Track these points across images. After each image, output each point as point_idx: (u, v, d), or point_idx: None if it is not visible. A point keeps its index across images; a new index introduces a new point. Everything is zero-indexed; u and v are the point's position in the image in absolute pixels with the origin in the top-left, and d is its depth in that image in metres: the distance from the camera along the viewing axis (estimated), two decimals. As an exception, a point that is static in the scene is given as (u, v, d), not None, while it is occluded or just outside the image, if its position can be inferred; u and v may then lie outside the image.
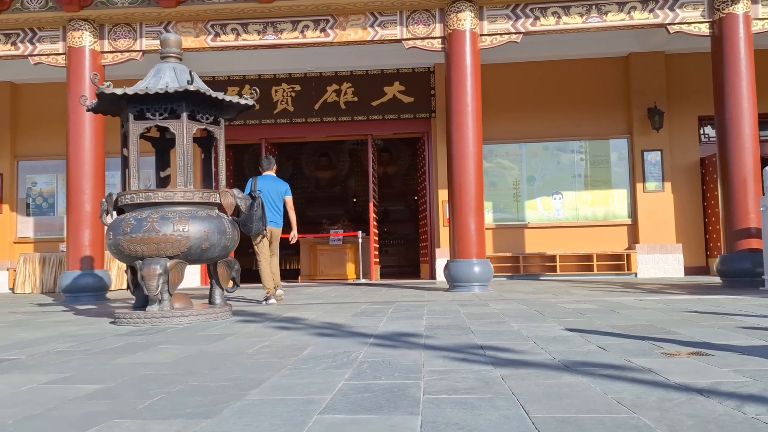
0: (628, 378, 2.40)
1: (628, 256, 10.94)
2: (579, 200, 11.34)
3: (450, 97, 8.37)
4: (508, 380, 2.42)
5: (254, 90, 5.35)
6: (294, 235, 7.14)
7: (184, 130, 4.98)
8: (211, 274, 5.31)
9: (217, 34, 8.63)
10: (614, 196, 11.30)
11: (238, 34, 8.63)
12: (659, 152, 11.12)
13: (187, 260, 4.93)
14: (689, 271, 11.02)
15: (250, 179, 6.89)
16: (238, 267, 5.44)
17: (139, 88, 4.90)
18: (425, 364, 2.81)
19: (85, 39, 8.67)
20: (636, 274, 10.91)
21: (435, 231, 11.35)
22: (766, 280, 7.30)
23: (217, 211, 5.15)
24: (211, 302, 5.32)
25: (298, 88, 11.68)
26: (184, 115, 5.00)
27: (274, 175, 7.16)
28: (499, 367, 2.69)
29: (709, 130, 11.41)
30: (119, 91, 4.84)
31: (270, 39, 8.63)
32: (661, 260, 10.89)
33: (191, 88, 4.77)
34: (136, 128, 5.02)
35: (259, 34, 8.63)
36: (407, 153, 18.10)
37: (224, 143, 5.40)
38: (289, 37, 8.61)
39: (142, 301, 5.13)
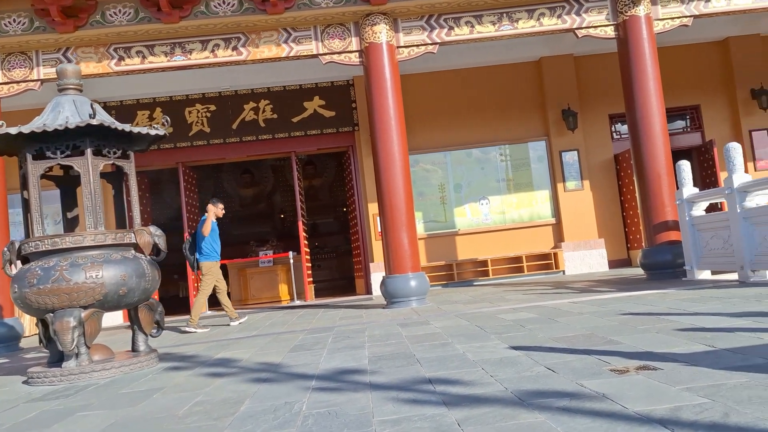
0: (586, 410, 2.31)
1: (555, 254, 11.19)
2: (505, 204, 11.50)
3: (372, 111, 8.26)
4: (465, 426, 2.28)
5: (165, 119, 5.02)
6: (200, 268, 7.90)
7: (89, 167, 4.59)
8: (133, 320, 4.93)
9: (121, 58, 8.15)
10: (537, 197, 11.54)
11: (144, 57, 8.18)
12: (576, 152, 11.45)
13: (104, 308, 4.54)
14: (613, 264, 11.40)
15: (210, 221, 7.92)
16: (162, 309, 5.08)
17: (35, 125, 4.48)
18: (375, 411, 2.64)
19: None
20: (564, 271, 11.17)
21: (368, 245, 11.20)
22: (688, 271, 7.60)
23: (133, 251, 4.78)
24: (134, 350, 4.93)
25: (213, 107, 11.26)
26: (89, 151, 4.61)
27: (205, 215, 8.00)
28: (453, 408, 2.55)
29: (621, 127, 11.86)
30: (13, 131, 4.39)
31: (179, 60, 8.24)
32: (586, 256, 11.20)
33: (94, 122, 4.40)
34: (35, 169, 4.58)
35: (166, 56, 8.21)
36: (332, 164, 17.90)
37: (135, 175, 5.03)
38: (199, 57, 8.24)
39: (58, 356, 4.68)
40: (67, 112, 4.67)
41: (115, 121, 4.79)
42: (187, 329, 7.47)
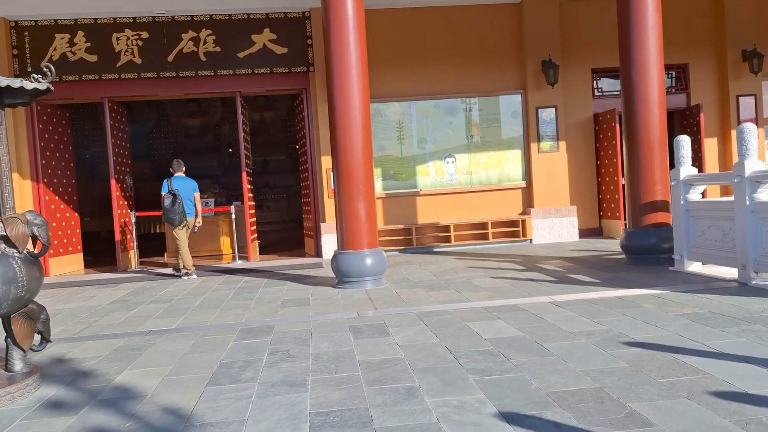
0: None
1: (524, 222, 10.35)
2: (472, 163, 10.49)
3: (330, 50, 6.96)
4: None
5: (48, 67, 3.70)
6: (199, 222, 8.80)
7: (-68, 132, 3.29)
8: (6, 331, 3.76)
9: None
10: (509, 157, 10.56)
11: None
12: (554, 109, 10.44)
13: (-44, 327, 3.36)
14: (583, 233, 10.65)
15: (165, 180, 8.53)
16: (46, 316, 3.92)
17: None
18: None
19: None
20: (531, 240, 10.37)
21: (319, 203, 10.08)
22: (677, 261, 6.83)
23: (2, 246, 3.56)
24: (8, 369, 3.79)
25: (145, 35, 9.65)
26: (-69, 109, 3.29)
27: (184, 174, 8.70)
28: None
29: (603, 84, 10.88)
30: None
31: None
32: (556, 224, 10.40)
33: (-68, 71, 3.07)
34: None
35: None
36: (285, 97, 16.39)
37: (6, 139, 3.74)
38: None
39: None
40: None
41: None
42: (191, 277, 8.55)
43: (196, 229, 8.79)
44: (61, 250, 9.80)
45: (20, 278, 3.52)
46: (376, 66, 9.73)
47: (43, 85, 3.69)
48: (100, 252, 12.51)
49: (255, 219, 10.77)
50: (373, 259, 6.90)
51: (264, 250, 11.50)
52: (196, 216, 8.69)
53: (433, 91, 10.33)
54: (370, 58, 8.34)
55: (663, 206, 7.29)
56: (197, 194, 8.70)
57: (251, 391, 3.47)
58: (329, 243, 9.82)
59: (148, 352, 4.52)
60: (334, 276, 7.36)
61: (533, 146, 10.44)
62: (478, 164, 10.48)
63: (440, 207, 10.34)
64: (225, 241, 11.54)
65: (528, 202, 10.55)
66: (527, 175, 10.53)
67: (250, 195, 10.43)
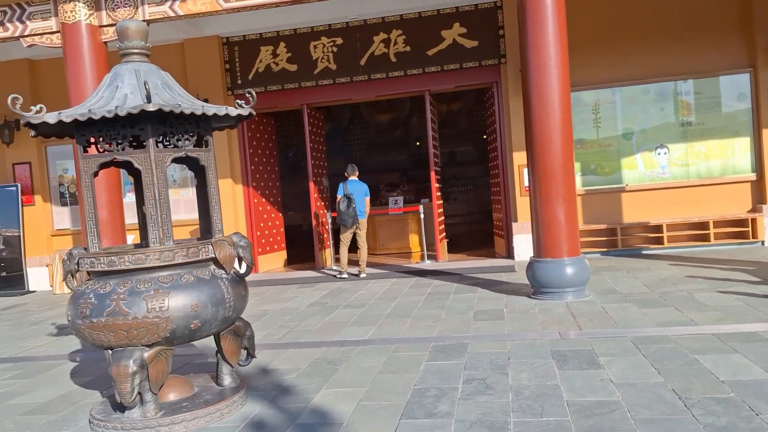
0: None
1: (753, 220, 8.86)
2: (689, 154, 9.23)
3: (525, 39, 6.43)
4: None
5: (249, 93, 3.79)
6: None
7: (152, 164, 3.51)
8: (216, 345, 3.96)
9: (228, -7, 7.00)
10: (734, 146, 9.12)
11: (253, -10, 6.96)
12: (794, 87, 8.76)
13: (173, 345, 3.58)
14: (834, 234, 8.85)
15: (341, 183, 9.00)
16: (251, 333, 4.06)
17: (80, 110, 3.43)
18: None
19: (79, 12, 7.26)
20: (763, 242, 8.87)
21: (510, 201, 9.61)
22: None
23: (212, 267, 3.73)
24: (218, 383, 3.99)
25: (340, 41, 9.93)
26: (151, 142, 3.51)
27: (357, 179, 9.10)
28: None
29: None
30: (51, 118, 3.39)
31: (294, -9, 6.93)
32: (797, 223, 8.76)
33: (150, 107, 3.26)
34: (87, 166, 3.59)
35: (279, -13, 6.93)
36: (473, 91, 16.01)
37: (215, 168, 3.90)
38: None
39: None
40: (126, 89, 3.58)
41: (183, 99, 3.63)
42: (363, 274, 8.93)
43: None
44: (267, 248, 10.55)
45: (227, 299, 3.65)
46: (572, 51, 8.93)
47: (245, 111, 3.78)
48: (301, 246, 13.32)
49: (443, 218, 10.63)
50: (574, 268, 6.30)
51: (451, 245, 11.31)
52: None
53: (641, 75, 9.24)
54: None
55: None
56: (368, 198, 9.09)
57: (448, 430, 3.23)
58: (521, 244, 9.31)
59: (344, 368, 4.51)
60: (527, 283, 6.89)
61: (765, 132, 8.88)
62: (696, 155, 9.20)
63: (650, 204, 9.27)
64: (413, 239, 11.59)
65: (759, 198, 9.02)
66: (758, 165, 9.01)
67: (439, 194, 10.28)
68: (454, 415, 3.42)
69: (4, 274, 10.68)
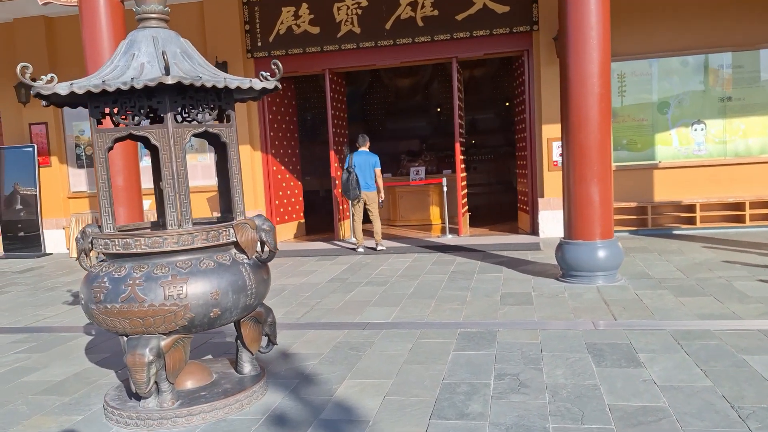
0: None
1: (793, 202, 8.49)
2: (728, 131, 8.80)
3: (566, 5, 6.03)
4: None
5: (275, 64, 3.50)
6: (382, 197, 8.87)
7: (170, 140, 3.26)
8: (237, 331, 3.77)
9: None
10: (776, 123, 8.68)
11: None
12: None
13: (191, 333, 3.39)
14: None
15: (348, 155, 8.75)
16: (272, 319, 3.86)
17: (92, 81, 3.18)
18: None
19: (94, -32, 6.90)
20: (802, 225, 8.50)
21: (537, 176, 9.27)
22: None
23: (233, 252, 3.50)
24: (238, 371, 3.82)
25: (364, 3, 9.50)
26: (169, 116, 3.26)
27: (368, 150, 8.81)
28: None
29: None
30: (62, 90, 3.14)
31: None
32: (840, 207, 8.37)
33: (169, 80, 2.99)
34: (101, 140, 3.35)
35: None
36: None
37: (237, 144, 3.64)
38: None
39: (147, 372, 3.69)
40: (143, 57, 3.31)
41: (204, 70, 3.36)
42: (379, 247, 8.74)
43: (381, 203, 8.90)
44: (286, 217, 10.36)
45: (249, 286, 3.44)
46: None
47: (271, 84, 3.50)
48: (319, 213, 13.11)
49: (466, 191, 10.33)
50: (607, 251, 6.03)
51: (472, 218, 11.03)
52: (378, 191, 8.77)
53: (679, 46, 8.78)
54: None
55: None
56: (378, 170, 8.74)
57: (482, 434, 3.03)
58: (547, 221, 9.02)
59: (367, 355, 4.32)
60: (554, 263, 6.65)
61: (811, 110, 8.43)
62: (734, 131, 8.78)
63: (683, 182, 8.90)
64: (434, 211, 11.33)
65: (800, 179, 8.63)
66: (801, 145, 8.58)
67: (462, 166, 9.96)
68: (487, 417, 3.22)
69: (22, 233, 10.62)
